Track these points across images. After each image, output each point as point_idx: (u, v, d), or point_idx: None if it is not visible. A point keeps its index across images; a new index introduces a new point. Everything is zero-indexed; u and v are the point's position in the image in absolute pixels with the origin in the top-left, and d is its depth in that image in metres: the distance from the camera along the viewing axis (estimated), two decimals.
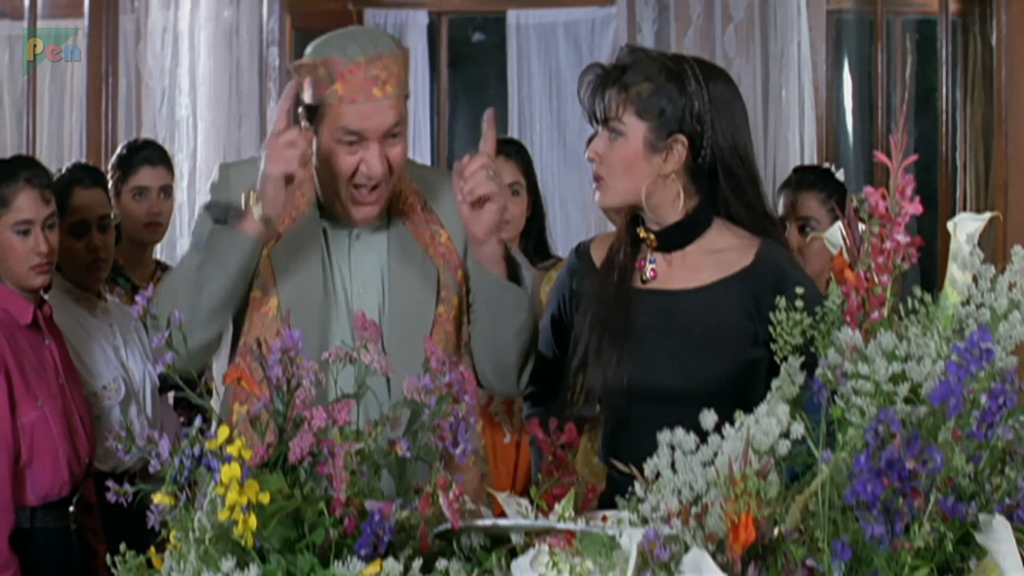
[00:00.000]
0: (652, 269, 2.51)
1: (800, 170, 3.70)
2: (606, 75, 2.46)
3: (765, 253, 2.45)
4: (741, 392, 2.32)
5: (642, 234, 2.51)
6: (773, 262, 2.45)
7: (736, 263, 2.45)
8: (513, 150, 4.05)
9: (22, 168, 3.21)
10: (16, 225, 3.14)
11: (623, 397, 2.47)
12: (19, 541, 3.04)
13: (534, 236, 3.99)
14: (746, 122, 2.51)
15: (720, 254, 2.47)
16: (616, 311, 2.49)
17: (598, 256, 2.60)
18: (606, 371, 2.47)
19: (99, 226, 3.55)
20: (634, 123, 2.43)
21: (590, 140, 2.52)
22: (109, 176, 3.97)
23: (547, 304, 2.71)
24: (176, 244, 5.42)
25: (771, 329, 1.87)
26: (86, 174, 3.63)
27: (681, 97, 2.42)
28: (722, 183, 2.45)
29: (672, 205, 2.47)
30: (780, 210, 3.38)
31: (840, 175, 3.39)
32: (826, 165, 3.49)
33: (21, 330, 3.13)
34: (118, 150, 4.20)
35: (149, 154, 4.12)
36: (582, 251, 2.64)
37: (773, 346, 1.88)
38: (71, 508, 3.16)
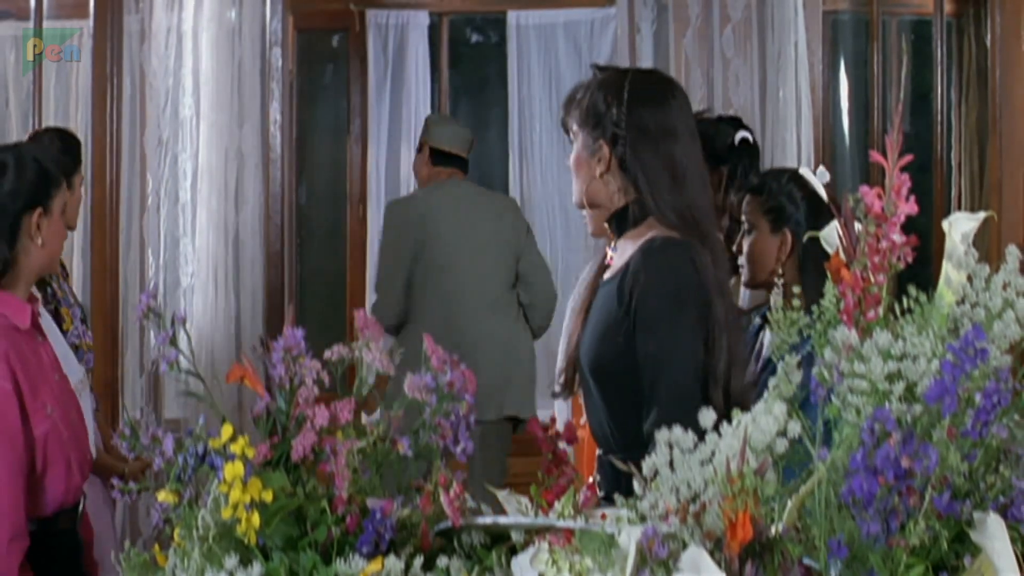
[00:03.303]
0: (610, 258, 2.72)
1: (764, 173, 3.70)
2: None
3: (642, 248, 2.59)
4: (629, 372, 2.54)
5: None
6: (636, 258, 2.58)
7: (627, 257, 2.62)
8: None
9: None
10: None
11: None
12: (31, 545, 2.93)
13: None
14: (678, 136, 2.66)
15: (628, 249, 2.63)
16: (583, 300, 2.76)
17: None
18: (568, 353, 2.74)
19: None
20: (577, 131, 2.69)
21: None
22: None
23: None
24: (179, 243, 5.42)
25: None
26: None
27: (604, 106, 2.64)
28: (640, 183, 2.63)
29: (611, 201, 2.66)
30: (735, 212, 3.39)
31: (821, 176, 3.34)
32: (800, 167, 3.46)
33: (20, 334, 3.00)
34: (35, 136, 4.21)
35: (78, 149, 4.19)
36: None
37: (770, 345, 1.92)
38: (79, 508, 3.09)
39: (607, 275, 2.68)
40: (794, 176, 3.30)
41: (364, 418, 1.99)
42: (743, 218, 3.32)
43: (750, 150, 3.95)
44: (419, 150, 5.37)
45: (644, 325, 2.51)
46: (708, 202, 2.68)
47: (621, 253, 2.65)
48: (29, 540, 2.85)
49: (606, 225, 2.70)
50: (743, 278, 3.33)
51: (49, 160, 3.02)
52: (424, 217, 5.13)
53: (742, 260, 3.30)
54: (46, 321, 3.34)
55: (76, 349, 3.86)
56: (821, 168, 3.33)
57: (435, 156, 5.29)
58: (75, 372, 3.39)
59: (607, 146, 2.62)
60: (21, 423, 2.87)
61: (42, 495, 2.96)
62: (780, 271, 3.17)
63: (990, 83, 5.12)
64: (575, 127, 2.68)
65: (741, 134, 3.92)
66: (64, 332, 3.75)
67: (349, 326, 6.20)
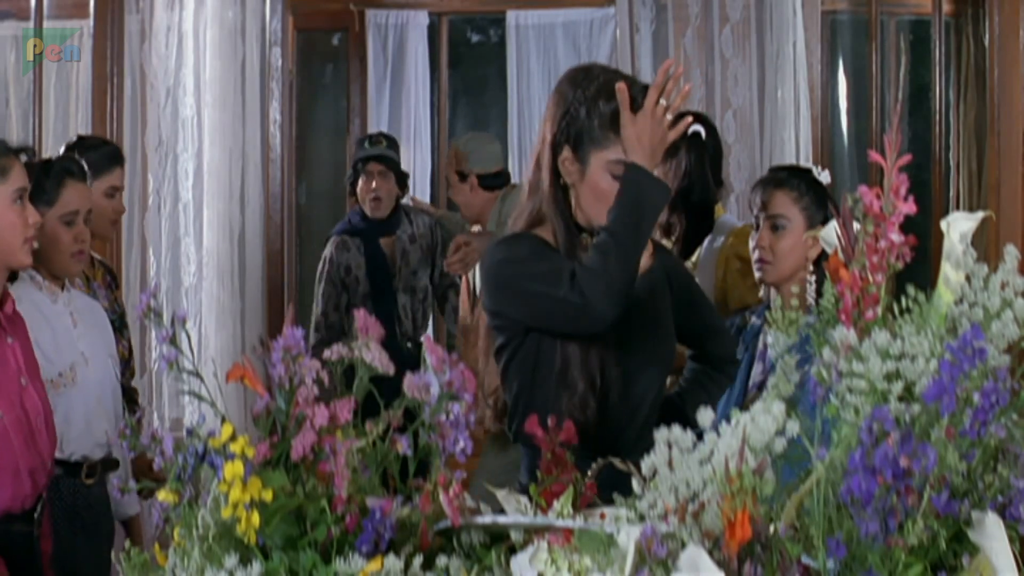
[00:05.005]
0: None
1: (775, 169, 3.70)
2: None
3: (658, 248, 2.89)
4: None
5: (587, 240, 2.67)
6: (666, 253, 2.98)
7: (644, 257, 2.71)
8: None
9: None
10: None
11: (612, 378, 2.67)
12: None
13: None
14: None
15: None
16: None
17: None
18: (593, 354, 2.66)
19: (85, 218, 3.59)
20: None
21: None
22: None
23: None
24: (180, 243, 5.43)
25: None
26: (77, 168, 3.65)
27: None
28: None
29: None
30: (753, 208, 3.37)
31: (824, 177, 3.35)
32: (808, 166, 3.47)
33: None
34: (71, 144, 4.23)
35: (118, 153, 4.20)
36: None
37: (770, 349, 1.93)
38: (36, 515, 3.05)
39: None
40: (809, 171, 3.33)
41: None
42: (764, 213, 3.30)
43: (704, 143, 3.97)
44: (462, 180, 5.07)
45: (699, 290, 3.04)
46: None
47: None
48: None
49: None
50: (759, 275, 3.30)
51: None
52: None
53: (760, 256, 3.28)
54: (43, 316, 3.35)
55: None
56: (824, 170, 3.34)
57: (483, 180, 5.08)
58: (60, 363, 3.39)
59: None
60: None
61: None
62: (812, 268, 3.17)
63: (988, 83, 5.11)
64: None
65: (693, 128, 3.93)
66: None
67: None
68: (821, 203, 3.26)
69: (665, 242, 3.84)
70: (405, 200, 5.73)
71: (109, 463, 3.53)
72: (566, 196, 2.69)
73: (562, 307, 2.55)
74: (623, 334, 2.64)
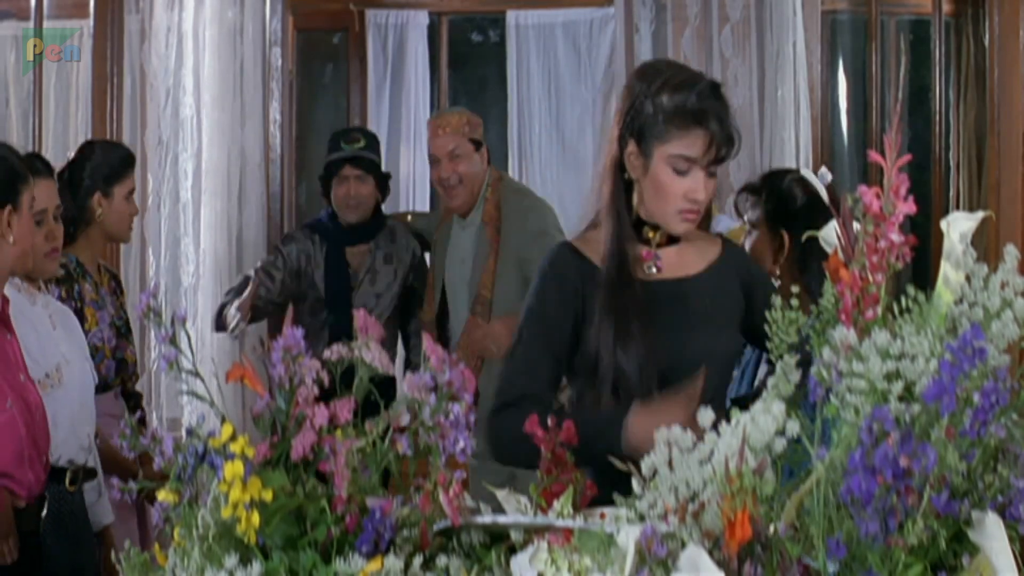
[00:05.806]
0: (658, 263, 2.72)
1: (767, 174, 3.71)
2: None
3: (729, 244, 2.86)
4: (737, 357, 2.94)
5: (650, 234, 2.72)
6: (739, 250, 2.94)
7: (711, 252, 2.79)
8: None
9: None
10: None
11: (655, 378, 2.64)
12: None
13: None
14: None
15: (694, 246, 2.78)
16: (636, 301, 2.68)
17: (593, 256, 2.74)
18: (639, 355, 2.64)
19: (54, 216, 3.54)
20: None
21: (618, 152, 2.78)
22: (86, 176, 4.03)
23: (556, 312, 2.73)
24: (180, 242, 5.43)
25: (767, 327, 1.92)
26: (43, 165, 3.61)
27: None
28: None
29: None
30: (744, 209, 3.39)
31: (819, 179, 3.32)
32: (803, 171, 3.46)
33: None
34: (83, 147, 4.23)
35: (132, 155, 4.22)
36: (577, 253, 2.73)
37: (768, 344, 1.93)
38: (43, 512, 3.07)
39: (681, 272, 2.73)
40: (797, 178, 3.31)
41: None
42: (743, 217, 3.34)
43: None
44: (477, 149, 4.67)
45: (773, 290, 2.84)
46: None
47: (687, 255, 2.75)
48: None
49: (659, 234, 2.73)
50: None
51: (15, 156, 3.03)
52: None
53: None
54: (26, 317, 3.35)
55: (96, 351, 3.87)
56: (823, 169, 3.33)
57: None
58: (46, 364, 3.38)
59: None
60: None
61: None
62: (777, 271, 3.18)
63: (988, 83, 5.12)
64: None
65: None
66: (86, 332, 3.76)
67: None
68: (790, 205, 3.24)
69: None
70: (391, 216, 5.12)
71: (88, 472, 3.49)
72: (628, 192, 2.72)
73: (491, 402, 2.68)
74: (675, 331, 2.66)
